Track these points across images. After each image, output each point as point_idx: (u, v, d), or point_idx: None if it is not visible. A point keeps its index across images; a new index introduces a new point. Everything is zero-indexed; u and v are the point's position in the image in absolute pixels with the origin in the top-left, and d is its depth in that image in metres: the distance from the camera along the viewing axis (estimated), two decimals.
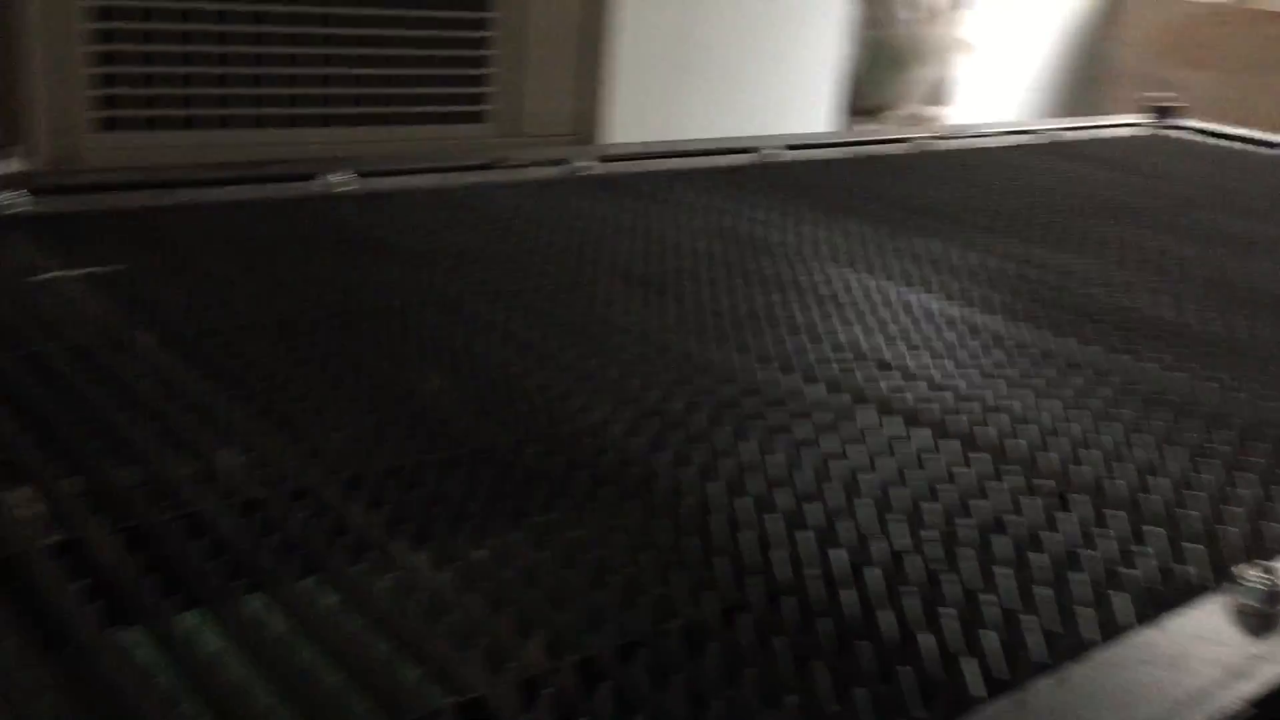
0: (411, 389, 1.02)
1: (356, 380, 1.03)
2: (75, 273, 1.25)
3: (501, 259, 1.43)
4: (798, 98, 4.06)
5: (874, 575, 0.76)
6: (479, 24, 2.23)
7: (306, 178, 1.75)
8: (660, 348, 1.16)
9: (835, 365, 1.14)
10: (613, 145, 2.40)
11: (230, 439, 0.91)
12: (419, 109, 2.20)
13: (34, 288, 1.19)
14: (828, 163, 2.26)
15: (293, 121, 2.09)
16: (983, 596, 0.74)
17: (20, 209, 1.44)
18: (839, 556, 0.78)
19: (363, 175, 1.80)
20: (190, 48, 1.96)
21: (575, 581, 0.76)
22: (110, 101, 1.91)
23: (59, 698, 0.62)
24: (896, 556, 0.79)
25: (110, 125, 1.92)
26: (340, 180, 1.74)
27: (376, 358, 1.08)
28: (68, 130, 1.89)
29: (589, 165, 2.01)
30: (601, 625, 0.71)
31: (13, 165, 1.90)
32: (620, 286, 1.36)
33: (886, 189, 2.02)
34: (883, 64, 4.60)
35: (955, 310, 1.34)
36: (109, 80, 1.90)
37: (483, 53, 2.24)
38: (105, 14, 1.86)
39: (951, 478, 0.92)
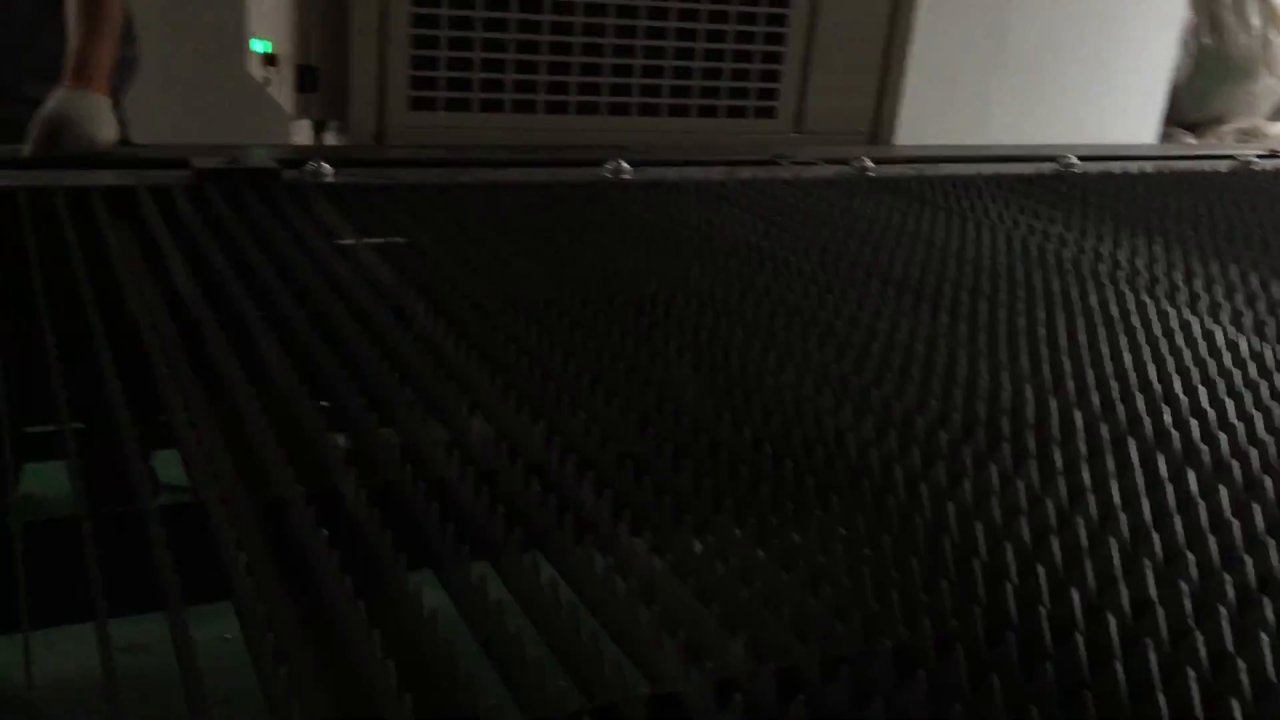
0: (657, 378, 1.03)
1: (605, 365, 1.05)
2: (369, 240, 1.35)
3: (768, 255, 1.42)
4: (1114, 106, 3.82)
5: (1113, 623, 0.71)
6: (776, 19, 2.23)
7: (594, 163, 1.80)
8: (917, 359, 1.12)
9: (1110, 393, 1.07)
10: (901, 146, 2.33)
11: (478, 411, 0.95)
12: (709, 102, 2.22)
13: (332, 251, 1.29)
14: (1137, 177, 2.11)
15: (588, 109, 2.15)
16: (1239, 661, 0.67)
17: (331, 178, 1.56)
18: (1077, 598, 0.73)
19: (647, 164, 1.84)
20: (499, 34, 2.06)
21: (788, 587, 0.74)
22: (423, 83, 2.04)
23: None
24: (1142, 605, 0.73)
25: (421, 105, 2.05)
26: (625, 167, 1.79)
27: (628, 344, 1.10)
28: (383, 108, 2.03)
29: (872, 166, 1.97)
30: (808, 635, 0.69)
31: (332, 138, 2.06)
32: (886, 292, 1.32)
33: (1200, 209, 1.86)
34: (1215, 74, 4.25)
35: (1267, 350, 1.22)
36: (423, 63, 2.02)
37: (777, 48, 2.23)
38: (425, 1, 1.99)
39: (1219, 528, 0.84)
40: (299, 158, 1.61)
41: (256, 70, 2.24)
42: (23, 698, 1.82)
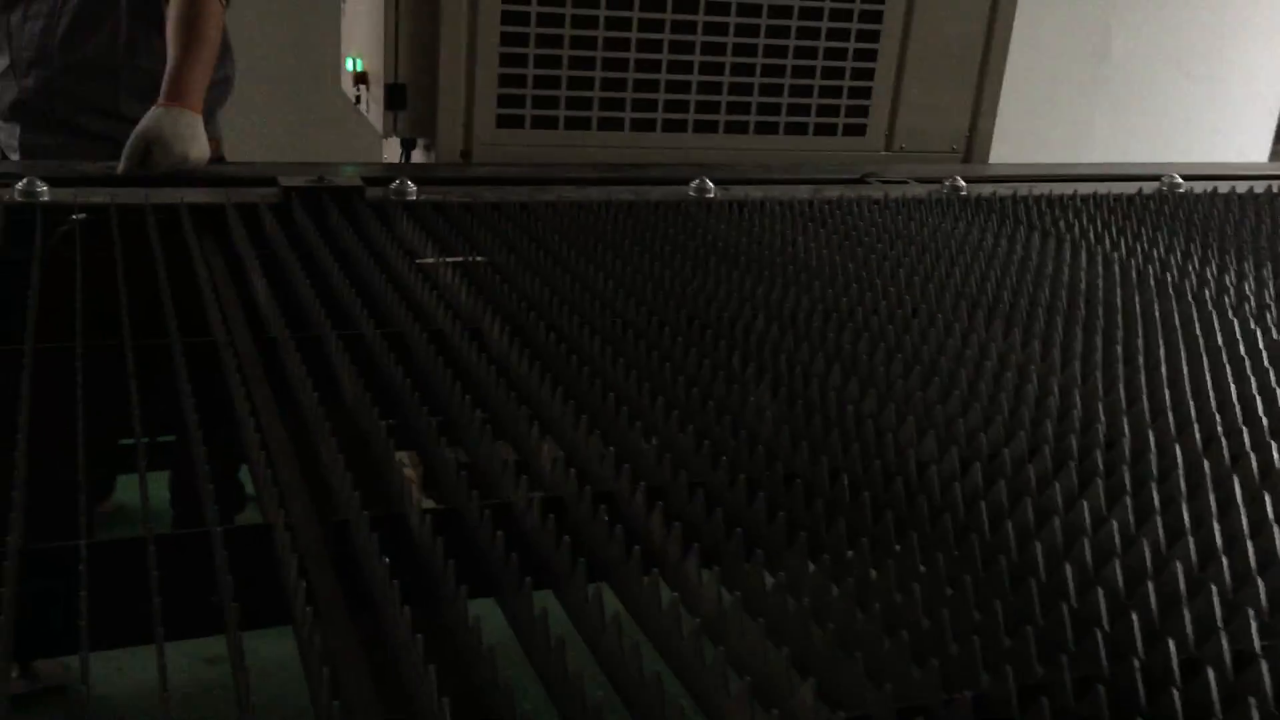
0: (733, 404, 1.01)
1: (681, 389, 1.03)
2: (448, 259, 1.34)
3: (853, 277, 1.39)
4: (1222, 123, 3.68)
5: (1213, 677, 0.66)
6: (868, 35, 2.18)
7: (678, 182, 1.78)
8: (1007, 388, 1.07)
9: (1213, 427, 1.01)
10: (995, 165, 2.27)
11: (548, 435, 0.93)
12: (798, 119, 2.19)
13: (412, 271, 1.28)
14: (1245, 198, 2.03)
15: (675, 127, 2.14)
16: None
17: (414, 196, 1.56)
18: (1170, 648, 0.68)
19: (732, 183, 1.82)
20: (587, 52, 2.06)
21: (863, 628, 0.71)
22: (510, 101, 2.04)
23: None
24: (1244, 659, 0.68)
25: (508, 123, 2.05)
26: (709, 186, 1.76)
27: (705, 368, 1.07)
28: (470, 126, 2.04)
29: (965, 185, 1.92)
30: (883, 681, 0.66)
31: (420, 156, 2.08)
32: (976, 317, 1.28)
33: None
34: None
35: None
36: (511, 81, 2.03)
37: (869, 64, 2.19)
38: (513, 19, 1.99)
39: None
40: (384, 176, 1.62)
41: (349, 89, 2.27)
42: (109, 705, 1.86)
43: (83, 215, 1.37)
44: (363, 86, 2.17)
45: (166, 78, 1.76)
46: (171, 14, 1.84)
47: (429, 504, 0.86)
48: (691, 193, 1.75)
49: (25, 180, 1.42)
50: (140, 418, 0.97)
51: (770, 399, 1.03)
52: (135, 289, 1.17)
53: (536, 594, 0.76)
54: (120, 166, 1.61)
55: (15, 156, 1.98)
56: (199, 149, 1.64)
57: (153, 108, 1.67)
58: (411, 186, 1.58)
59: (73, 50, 1.94)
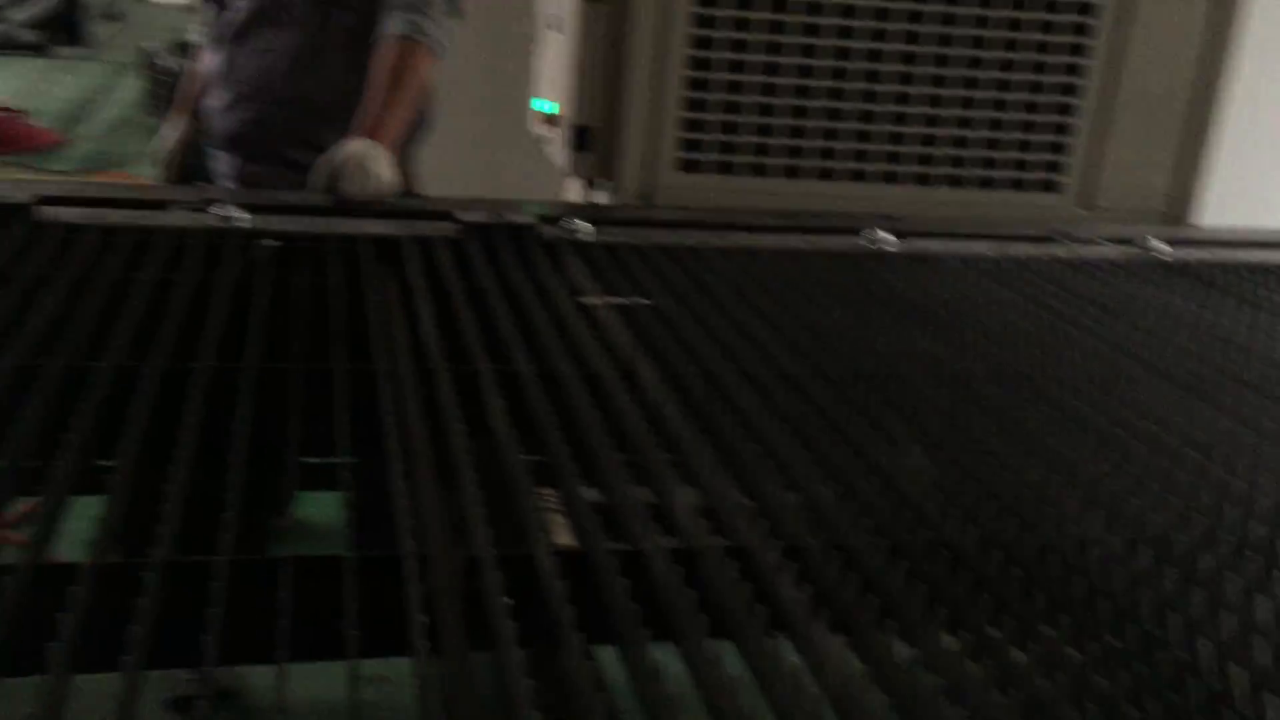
0: (885, 462, 0.97)
1: (830, 443, 0.99)
2: (612, 300, 1.35)
3: (1029, 340, 1.32)
4: None
5: None
6: (1068, 88, 2.10)
7: (854, 232, 1.75)
8: (1188, 466, 1.00)
9: None
10: (1203, 228, 2.14)
11: (688, 482, 0.92)
12: (988, 173, 2.11)
13: (575, 310, 1.29)
14: None
15: (859, 176, 2.10)
16: None
17: (587, 236, 1.58)
18: None
19: (911, 235, 1.77)
20: (772, 99, 2.05)
21: (1001, 712, 0.66)
22: (693, 145, 2.05)
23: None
24: None
25: (690, 167, 2.06)
26: (886, 238, 1.72)
27: (860, 424, 1.04)
28: (652, 169, 2.05)
29: (1166, 249, 1.81)
30: None
31: (602, 197, 2.10)
32: (1159, 388, 1.20)
33: None
34: None
35: None
36: (694, 125, 2.03)
37: (1068, 119, 2.10)
38: (698, 65, 2.00)
39: None
40: (560, 214, 1.64)
41: (536, 129, 2.32)
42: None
43: (273, 242, 1.44)
44: (550, 127, 2.22)
45: (365, 116, 1.84)
46: (380, 60, 1.92)
47: (567, 544, 0.85)
48: (866, 243, 1.71)
49: (224, 206, 1.50)
50: (307, 437, 1.01)
51: (925, 461, 0.98)
52: (311, 314, 1.21)
53: (656, 646, 0.74)
54: (311, 190, 1.69)
55: (230, 185, 2.11)
56: (386, 180, 1.70)
57: (347, 139, 1.75)
58: (585, 226, 1.59)
59: (288, 87, 2.05)
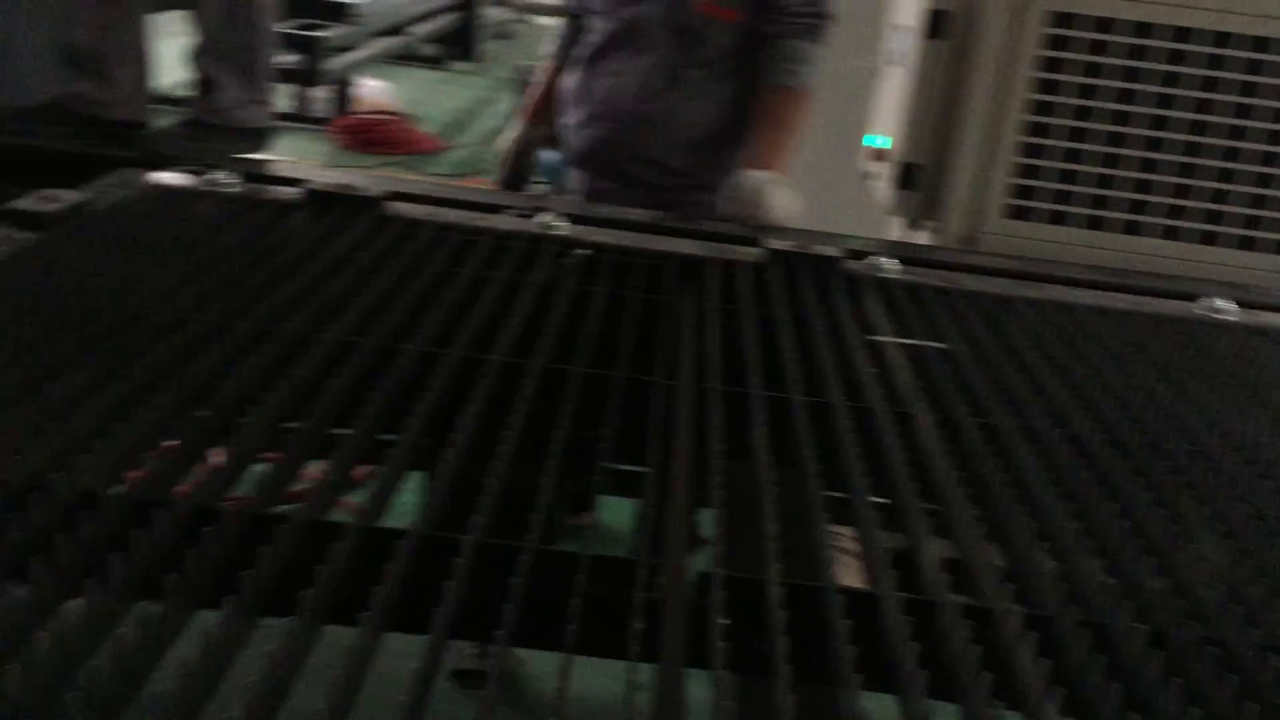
0: (1166, 543, 0.89)
1: (1108, 516, 0.92)
2: (904, 341, 1.32)
3: None
4: None
5: None
6: None
7: (1187, 297, 1.62)
8: None
9: None
10: None
11: (940, 532, 0.88)
12: None
13: (862, 346, 1.27)
14: None
15: (1207, 239, 1.94)
16: None
17: (892, 274, 1.55)
18: None
19: (1258, 307, 1.62)
20: (1115, 150, 1.93)
21: None
22: (1024, 192, 1.96)
23: None
24: None
25: (1019, 214, 1.97)
26: (1227, 307, 1.58)
27: (1145, 498, 0.96)
28: (978, 213, 1.98)
29: None
30: None
31: (922, 238, 2.06)
32: None
33: None
34: None
35: None
36: (1027, 171, 1.95)
37: None
38: (1039, 109, 1.91)
39: None
40: (869, 250, 1.62)
41: (865, 165, 2.31)
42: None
43: (585, 251, 1.51)
44: (879, 164, 2.19)
45: (755, 156, 1.99)
46: (769, 109, 2.05)
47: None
48: (1200, 311, 1.57)
49: (546, 214, 1.59)
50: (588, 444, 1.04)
51: (1214, 549, 0.90)
52: (606, 323, 1.26)
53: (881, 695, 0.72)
54: (731, 217, 1.90)
55: (579, 199, 2.21)
56: (786, 208, 1.90)
57: (748, 171, 1.95)
58: (891, 264, 1.56)
59: (638, 109, 2.12)
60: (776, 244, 1.57)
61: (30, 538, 0.76)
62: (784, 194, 1.94)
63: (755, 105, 2.08)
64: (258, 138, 2.14)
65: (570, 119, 2.20)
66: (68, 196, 1.40)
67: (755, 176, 1.95)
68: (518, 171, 2.33)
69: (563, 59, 2.25)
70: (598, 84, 2.16)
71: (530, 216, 1.60)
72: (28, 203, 1.36)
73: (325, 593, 0.76)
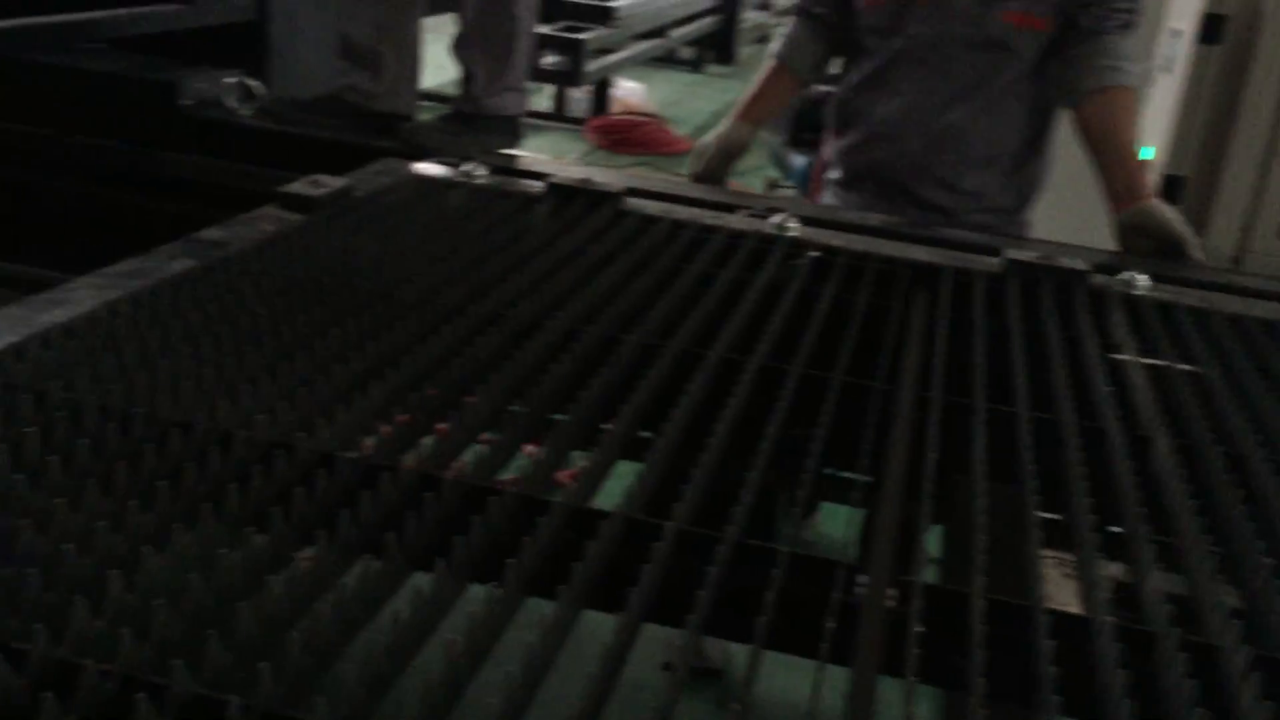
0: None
1: None
2: (1148, 360, 1.25)
3: None
4: None
5: None
6: None
7: None
8: None
9: None
10: None
11: (1164, 560, 0.83)
12: None
13: (1100, 364, 1.21)
14: None
15: None
16: None
17: (1144, 291, 1.46)
18: None
19: None
20: None
21: None
22: None
23: None
24: None
25: None
26: None
27: None
28: (1248, 230, 1.84)
29: None
30: None
31: (1196, 256, 1.87)
32: None
33: None
34: None
35: None
36: None
37: None
38: None
39: None
40: (1119, 265, 1.54)
41: None
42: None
43: (815, 253, 1.50)
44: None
45: (1120, 182, 1.81)
46: (1100, 118, 1.85)
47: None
48: None
49: (780, 215, 1.58)
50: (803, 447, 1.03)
51: None
52: (829, 325, 1.25)
53: None
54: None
55: None
56: (1193, 238, 1.73)
57: (1134, 208, 1.76)
58: (1143, 280, 1.48)
59: (931, 126, 1.98)
60: (1017, 255, 1.51)
61: (272, 491, 0.83)
62: (1181, 224, 1.74)
63: (1081, 116, 1.88)
64: (513, 127, 2.19)
65: (842, 141, 2.06)
66: (334, 182, 1.51)
67: (1151, 206, 1.74)
68: (712, 169, 2.10)
69: (787, 60, 2.10)
70: (880, 105, 1.99)
71: (764, 217, 1.61)
72: (298, 187, 1.47)
73: (531, 564, 0.79)
